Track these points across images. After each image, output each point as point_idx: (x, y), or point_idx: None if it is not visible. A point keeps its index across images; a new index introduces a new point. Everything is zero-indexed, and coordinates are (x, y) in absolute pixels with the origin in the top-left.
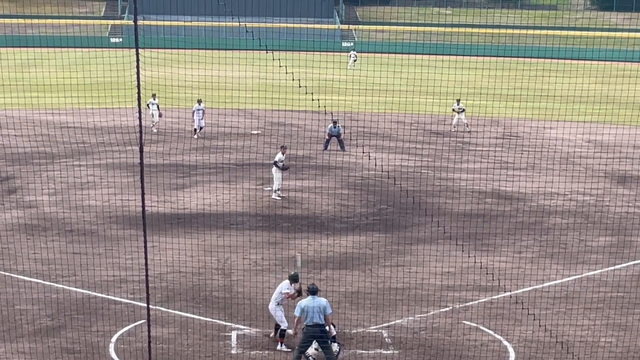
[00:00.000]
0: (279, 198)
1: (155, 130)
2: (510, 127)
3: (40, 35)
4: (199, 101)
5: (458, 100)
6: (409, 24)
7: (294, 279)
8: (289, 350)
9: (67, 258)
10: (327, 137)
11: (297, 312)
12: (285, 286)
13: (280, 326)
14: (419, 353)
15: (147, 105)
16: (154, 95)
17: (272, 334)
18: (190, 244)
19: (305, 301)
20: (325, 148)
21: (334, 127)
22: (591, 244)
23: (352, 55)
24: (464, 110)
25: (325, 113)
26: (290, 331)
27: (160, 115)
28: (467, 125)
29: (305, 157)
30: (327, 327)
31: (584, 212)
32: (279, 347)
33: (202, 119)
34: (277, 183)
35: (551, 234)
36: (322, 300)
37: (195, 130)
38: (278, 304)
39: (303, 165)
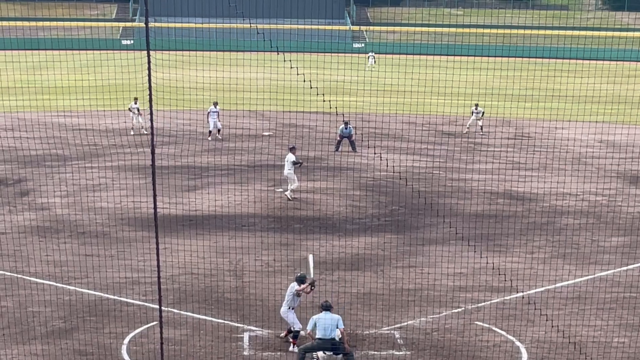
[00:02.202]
0: (292, 199)
1: (145, 132)
2: (522, 128)
3: (51, 37)
4: (215, 103)
5: (476, 105)
6: (420, 25)
7: (301, 280)
8: (291, 342)
9: (79, 260)
10: (338, 138)
11: (309, 327)
12: (294, 287)
13: (292, 329)
14: (431, 354)
15: (129, 109)
16: (135, 99)
17: (282, 334)
18: (202, 245)
19: (319, 316)
20: (337, 149)
21: (345, 128)
22: (603, 245)
23: (371, 56)
24: (482, 113)
25: (337, 114)
26: (303, 332)
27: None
28: (482, 128)
29: (316, 158)
30: (340, 341)
31: (596, 213)
32: (291, 348)
33: (217, 120)
34: (297, 183)
35: (563, 234)
36: (335, 315)
37: (210, 132)
38: (290, 307)
39: (315, 166)
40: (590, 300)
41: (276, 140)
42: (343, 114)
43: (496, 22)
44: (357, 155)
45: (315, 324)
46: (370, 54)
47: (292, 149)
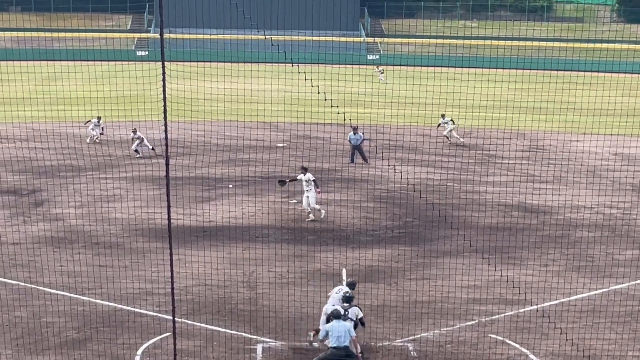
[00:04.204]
0: (322, 212)
1: (98, 141)
2: (537, 140)
3: (67, 48)
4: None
5: (443, 115)
6: (435, 37)
7: (352, 285)
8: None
9: (93, 271)
10: (351, 150)
11: (321, 335)
12: (338, 298)
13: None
14: None
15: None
16: (99, 118)
17: (312, 334)
18: (216, 256)
19: (331, 325)
20: (352, 161)
21: (354, 134)
22: (618, 257)
23: (379, 71)
24: (448, 122)
25: (351, 126)
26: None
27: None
28: (449, 138)
29: (330, 170)
30: (353, 349)
31: (610, 225)
32: (312, 336)
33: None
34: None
35: (578, 247)
36: (346, 324)
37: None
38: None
39: (328, 178)
40: (605, 313)
41: (290, 151)
42: (350, 120)
43: (511, 35)
44: (371, 167)
45: (327, 334)
46: (378, 69)
47: (304, 169)
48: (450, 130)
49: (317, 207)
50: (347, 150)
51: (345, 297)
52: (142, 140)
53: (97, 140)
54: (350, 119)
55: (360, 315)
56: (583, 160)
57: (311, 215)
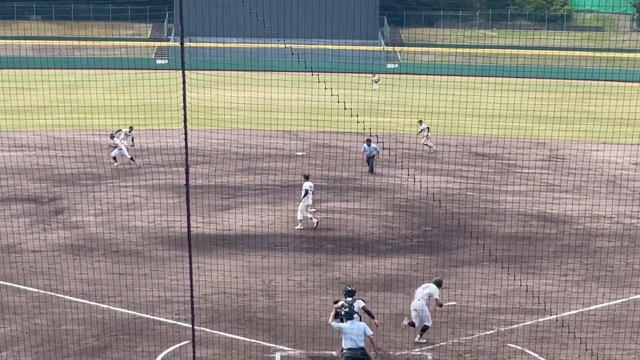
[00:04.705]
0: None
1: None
2: (557, 150)
3: (87, 57)
4: (131, 128)
5: (421, 121)
6: (454, 46)
7: (439, 283)
8: (424, 341)
9: (112, 278)
10: (366, 160)
11: (334, 325)
12: (434, 291)
13: (427, 326)
14: None
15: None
16: (131, 128)
17: (405, 322)
18: (235, 265)
19: (345, 325)
20: (371, 170)
21: (368, 146)
22: (638, 267)
23: (376, 81)
24: (425, 129)
25: (371, 135)
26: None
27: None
28: (429, 147)
29: (349, 178)
30: (369, 349)
31: (630, 235)
32: (417, 339)
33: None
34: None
35: (597, 256)
36: (361, 324)
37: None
38: (427, 304)
39: (348, 187)
40: (625, 323)
41: (310, 160)
42: (370, 129)
43: (531, 44)
44: (390, 176)
45: (340, 330)
46: (374, 77)
47: (306, 177)
48: (427, 137)
49: (309, 215)
50: (360, 160)
51: (348, 290)
52: (122, 149)
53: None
54: (370, 129)
55: (363, 304)
56: (603, 170)
57: (299, 225)
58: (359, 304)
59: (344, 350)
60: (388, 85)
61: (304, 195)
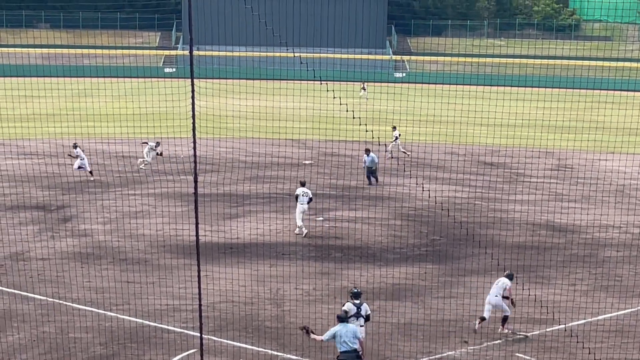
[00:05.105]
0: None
1: (143, 167)
2: (565, 159)
3: (95, 65)
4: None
5: (394, 127)
6: (463, 55)
7: (510, 276)
8: (507, 332)
9: (120, 287)
10: (366, 171)
11: (326, 337)
12: (506, 283)
13: (507, 315)
14: None
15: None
16: (157, 143)
17: (477, 324)
18: (243, 273)
19: (337, 328)
20: (370, 183)
21: (367, 156)
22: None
23: (364, 89)
24: (397, 136)
25: (379, 144)
26: (317, 337)
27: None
28: (392, 154)
29: (357, 187)
30: (360, 352)
31: (639, 245)
32: (501, 330)
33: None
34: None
35: (605, 266)
36: (353, 326)
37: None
38: (502, 296)
39: (356, 195)
40: (633, 333)
41: (317, 169)
42: (379, 138)
43: (539, 53)
44: (398, 185)
45: (333, 337)
46: (362, 85)
47: (302, 184)
48: (396, 144)
49: (300, 223)
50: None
51: (354, 293)
52: (84, 159)
53: (143, 166)
54: (379, 138)
55: (369, 312)
56: (611, 180)
57: (297, 230)
58: (365, 308)
59: (339, 355)
60: (397, 94)
61: (296, 201)
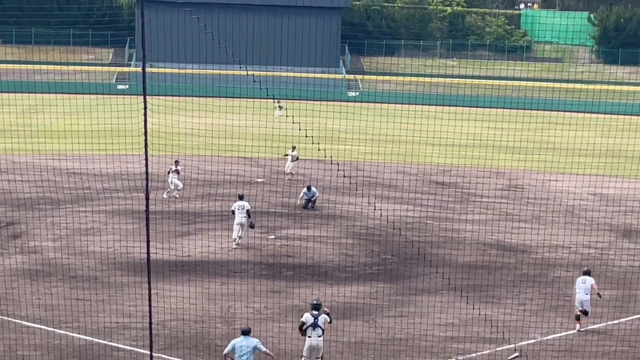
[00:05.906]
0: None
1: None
2: (515, 179)
3: (47, 81)
4: (176, 162)
5: (293, 147)
6: (415, 75)
7: (589, 272)
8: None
9: (70, 304)
10: (301, 202)
11: (226, 350)
12: (591, 281)
13: (587, 311)
14: None
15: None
16: (176, 162)
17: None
18: (194, 291)
19: (236, 341)
20: (305, 207)
21: (308, 191)
22: (594, 298)
23: (278, 106)
24: (294, 156)
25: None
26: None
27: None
28: (291, 174)
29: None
30: None
31: (587, 265)
32: (579, 328)
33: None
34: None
35: (555, 286)
36: (253, 340)
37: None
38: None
39: (308, 214)
40: (583, 353)
41: (270, 187)
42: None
43: (491, 74)
44: (350, 204)
45: (233, 349)
46: (276, 103)
47: (240, 197)
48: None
49: (235, 236)
50: (327, 186)
51: (314, 304)
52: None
53: (175, 195)
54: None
55: (329, 320)
56: (561, 200)
57: (234, 244)
58: (324, 319)
59: None
60: (349, 113)
61: (233, 214)
